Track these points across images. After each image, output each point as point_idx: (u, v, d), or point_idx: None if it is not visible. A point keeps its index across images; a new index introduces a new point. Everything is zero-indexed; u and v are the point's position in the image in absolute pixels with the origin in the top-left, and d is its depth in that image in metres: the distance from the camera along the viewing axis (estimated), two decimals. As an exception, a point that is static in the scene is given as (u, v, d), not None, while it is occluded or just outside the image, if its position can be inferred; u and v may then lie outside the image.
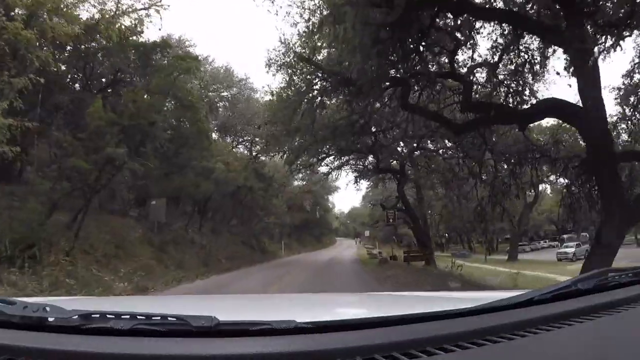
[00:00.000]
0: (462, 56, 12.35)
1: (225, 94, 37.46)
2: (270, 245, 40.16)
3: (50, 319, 1.14)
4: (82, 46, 18.66)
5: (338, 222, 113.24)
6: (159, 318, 1.12)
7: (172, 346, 1.01)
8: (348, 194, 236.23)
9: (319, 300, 2.63)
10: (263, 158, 35.73)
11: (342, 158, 28.21)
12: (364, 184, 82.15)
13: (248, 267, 24.08)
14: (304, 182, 54.29)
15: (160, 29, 30.78)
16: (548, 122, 18.28)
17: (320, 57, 14.13)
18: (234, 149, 36.77)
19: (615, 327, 1.23)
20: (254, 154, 36.34)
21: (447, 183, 24.12)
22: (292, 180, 50.87)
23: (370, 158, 28.42)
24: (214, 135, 34.00)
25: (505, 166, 16.14)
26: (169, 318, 1.12)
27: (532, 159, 14.37)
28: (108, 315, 1.13)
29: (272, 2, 12.75)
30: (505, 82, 12.56)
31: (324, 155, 26.25)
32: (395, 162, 28.00)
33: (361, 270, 23.25)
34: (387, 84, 12.12)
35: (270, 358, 0.98)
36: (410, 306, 1.83)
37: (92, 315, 1.13)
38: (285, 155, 24.04)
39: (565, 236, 62.14)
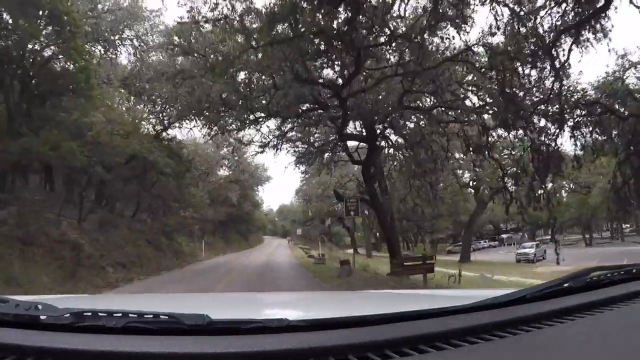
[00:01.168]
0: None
1: (128, 33, 25.78)
2: (187, 245, 33.54)
3: (43, 317, 1.13)
4: None
5: (267, 219, 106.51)
6: (151, 316, 1.12)
7: (164, 344, 1.01)
8: (277, 190, 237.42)
9: (311, 299, 2.65)
10: (179, 135, 29.85)
11: (286, 124, 21.08)
12: (297, 176, 63.32)
13: (147, 279, 17.47)
14: (230, 171, 50.56)
15: None
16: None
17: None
18: (140, 117, 25.36)
19: (607, 325, 1.25)
20: (165, 122, 26.68)
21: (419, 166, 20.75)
22: (217, 168, 47.14)
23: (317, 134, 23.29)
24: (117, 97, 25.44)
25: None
26: (161, 316, 1.12)
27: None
28: (100, 314, 1.13)
29: None
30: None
31: (262, 117, 18.81)
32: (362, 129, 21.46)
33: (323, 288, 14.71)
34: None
35: (262, 356, 0.98)
36: (404, 304, 1.86)
37: (84, 314, 1.13)
38: (205, 123, 19.77)
39: (504, 236, 65.66)
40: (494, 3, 10.82)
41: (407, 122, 20.49)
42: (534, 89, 13.14)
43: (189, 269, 23.56)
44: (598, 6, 10.45)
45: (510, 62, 11.55)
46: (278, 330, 1.09)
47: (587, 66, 27.61)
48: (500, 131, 16.35)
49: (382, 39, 12.77)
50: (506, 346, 1.08)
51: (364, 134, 20.65)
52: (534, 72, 12.28)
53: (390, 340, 1.05)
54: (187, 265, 25.31)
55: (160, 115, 26.24)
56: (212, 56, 14.29)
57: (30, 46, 16.59)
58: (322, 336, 1.07)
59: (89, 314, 1.13)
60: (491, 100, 14.57)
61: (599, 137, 15.04)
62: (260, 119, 19.21)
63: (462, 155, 24.78)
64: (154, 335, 1.07)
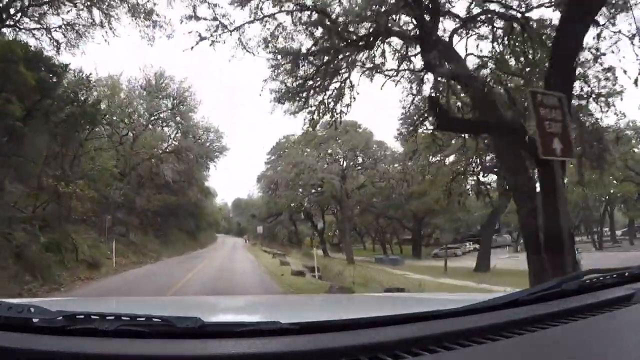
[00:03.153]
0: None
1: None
2: (95, 244, 20.73)
3: (35, 320, 1.13)
4: None
5: (220, 215, 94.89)
6: (143, 319, 1.12)
7: (157, 347, 1.02)
8: (233, 181, 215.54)
9: (303, 302, 2.69)
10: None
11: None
12: (259, 162, 53.34)
13: None
14: (172, 134, 38.36)
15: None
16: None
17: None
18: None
19: (600, 328, 1.26)
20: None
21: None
22: (148, 130, 34.56)
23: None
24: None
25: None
26: (154, 319, 1.12)
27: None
28: (93, 317, 1.13)
29: None
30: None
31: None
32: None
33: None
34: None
35: (255, 358, 0.98)
36: (396, 307, 1.87)
37: (77, 317, 1.13)
38: None
39: (506, 237, 55.74)
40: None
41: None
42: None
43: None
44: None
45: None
46: (271, 333, 1.10)
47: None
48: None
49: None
50: (499, 349, 1.09)
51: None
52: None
53: (383, 343, 1.05)
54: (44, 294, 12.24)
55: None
56: None
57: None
58: (314, 339, 1.07)
59: (82, 316, 1.13)
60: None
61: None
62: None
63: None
64: (147, 339, 1.07)
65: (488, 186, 30.55)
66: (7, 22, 15.99)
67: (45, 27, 16.55)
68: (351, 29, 11.80)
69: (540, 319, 1.26)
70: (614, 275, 1.59)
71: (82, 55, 23.18)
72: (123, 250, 24.69)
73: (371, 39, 11.85)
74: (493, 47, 11.91)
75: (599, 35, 10.14)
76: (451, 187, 24.82)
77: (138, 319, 1.12)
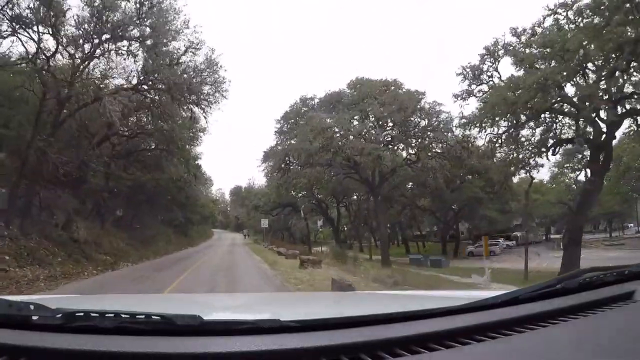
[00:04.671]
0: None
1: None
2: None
3: (35, 318, 1.13)
4: None
5: (216, 207, 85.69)
6: (143, 317, 1.12)
7: (157, 345, 1.01)
8: (228, 171, 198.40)
9: (303, 299, 2.69)
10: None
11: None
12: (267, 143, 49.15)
13: None
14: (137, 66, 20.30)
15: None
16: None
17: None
18: None
19: (600, 326, 1.25)
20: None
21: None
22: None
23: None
24: None
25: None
26: (154, 317, 1.12)
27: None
28: (92, 314, 1.13)
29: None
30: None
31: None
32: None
33: None
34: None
35: (255, 356, 0.99)
36: (396, 305, 1.86)
37: (77, 314, 1.13)
38: None
39: (518, 234, 49.07)
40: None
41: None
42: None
43: None
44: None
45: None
46: (270, 330, 1.10)
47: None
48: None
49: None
50: (498, 347, 1.09)
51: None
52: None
53: (383, 341, 1.05)
54: None
55: None
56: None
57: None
58: (315, 337, 1.08)
59: (81, 314, 1.13)
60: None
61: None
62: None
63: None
64: (146, 336, 1.07)
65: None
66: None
67: None
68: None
69: (541, 316, 1.26)
70: (614, 273, 1.59)
71: None
72: (43, 255, 15.85)
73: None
74: None
75: None
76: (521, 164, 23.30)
77: (137, 316, 1.12)
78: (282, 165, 35.82)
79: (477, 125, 25.88)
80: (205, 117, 23.54)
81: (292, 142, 35.94)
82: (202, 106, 22.71)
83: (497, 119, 24.41)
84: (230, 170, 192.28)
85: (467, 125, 27.32)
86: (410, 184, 41.08)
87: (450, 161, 33.01)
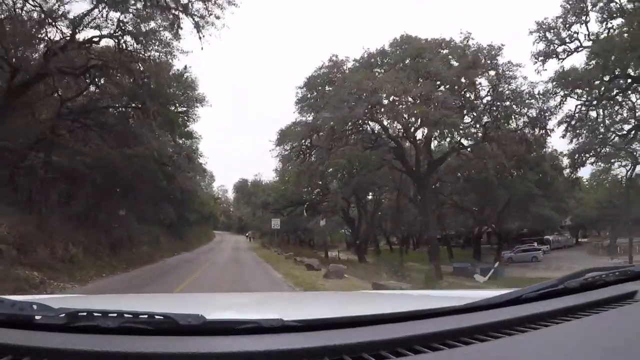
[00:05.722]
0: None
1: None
2: None
3: (38, 317, 1.13)
4: None
5: (217, 206, 78.17)
6: (146, 316, 1.13)
7: (160, 344, 1.02)
8: (234, 169, 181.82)
9: (306, 299, 2.69)
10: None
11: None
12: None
13: None
14: None
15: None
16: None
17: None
18: None
19: (602, 326, 1.26)
20: None
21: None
22: None
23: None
24: None
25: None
26: (156, 316, 1.12)
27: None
28: (95, 314, 1.13)
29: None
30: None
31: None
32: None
33: None
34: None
35: (257, 356, 0.99)
36: (399, 304, 1.86)
37: (79, 314, 1.13)
38: None
39: (550, 237, 44.06)
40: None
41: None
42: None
43: None
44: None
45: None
46: (273, 330, 1.10)
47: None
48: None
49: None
50: (501, 347, 1.09)
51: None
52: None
53: (386, 341, 1.06)
54: None
55: None
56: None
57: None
58: (317, 336, 1.08)
59: (84, 314, 1.13)
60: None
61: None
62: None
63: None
64: (149, 336, 1.07)
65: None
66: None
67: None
68: None
69: (543, 316, 1.26)
70: (617, 273, 1.61)
71: None
72: None
73: None
74: None
75: None
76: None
77: (140, 316, 1.12)
78: (307, 144, 28.18)
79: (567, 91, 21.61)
80: (199, 32, 16.08)
81: (325, 114, 26.48)
82: (193, 14, 15.95)
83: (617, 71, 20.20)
84: (233, 169, 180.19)
85: (560, 86, 22.64)
86: (453, 175, 33.60)
87: (519, 144, 25.58)
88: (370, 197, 41.34)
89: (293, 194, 37.79)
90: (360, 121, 25.42)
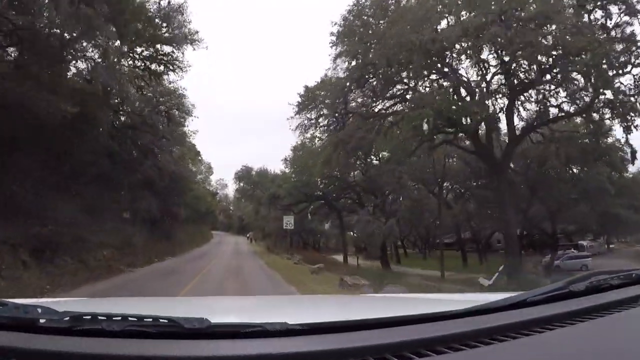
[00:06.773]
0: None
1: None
2: None
3: (42, 321, 1.13)
4: None
5: (216, 204, 73.71)
6: (150, 320, 1.12)
7: (164, 348, 1.02)
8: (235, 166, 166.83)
9: (310, 302, 2.69)
10: None
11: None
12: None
13: None
14: None
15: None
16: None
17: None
18: None
19: (608, 330, 1.26)
20: None
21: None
22: None
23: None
24: None
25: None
26: (161, 320, 1.12)
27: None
28: (100, 317, 1.13)
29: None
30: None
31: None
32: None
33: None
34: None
35: (262, 359, 0.99)
36: (403, 308, 1.87)
37: (84, 317, 1.13)
38: None
39: (585, 242, 39.22)
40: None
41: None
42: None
43: None
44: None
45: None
46: (278, 334, 1.10)
47: None
48: None
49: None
50: (506, 350, 1.09)
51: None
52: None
53: (390, 344, 1.06)
54: None
55: None
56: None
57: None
58: (322, 340, 1.08)
59: (88, 317, 1.13)
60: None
61: None
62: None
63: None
64: (154, 339, 1.07)
65: None
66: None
67: None
68: None
69: (548, 319, 1.26)
70: (621, 277, 1.60)
71: None
72: None
73: None
74: None
75: None
76: None
77: (145, 319, 1.12)
78: (343, 107, 20.02)
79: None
80: None
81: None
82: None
83: None
84: (233, 169, 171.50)
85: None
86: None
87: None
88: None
89: (307, 186, 30.51)
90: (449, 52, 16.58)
